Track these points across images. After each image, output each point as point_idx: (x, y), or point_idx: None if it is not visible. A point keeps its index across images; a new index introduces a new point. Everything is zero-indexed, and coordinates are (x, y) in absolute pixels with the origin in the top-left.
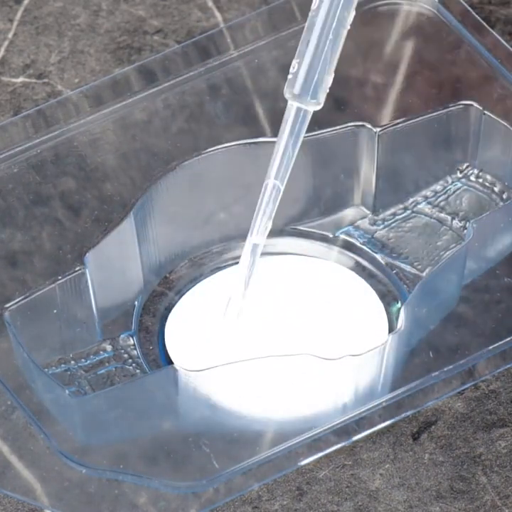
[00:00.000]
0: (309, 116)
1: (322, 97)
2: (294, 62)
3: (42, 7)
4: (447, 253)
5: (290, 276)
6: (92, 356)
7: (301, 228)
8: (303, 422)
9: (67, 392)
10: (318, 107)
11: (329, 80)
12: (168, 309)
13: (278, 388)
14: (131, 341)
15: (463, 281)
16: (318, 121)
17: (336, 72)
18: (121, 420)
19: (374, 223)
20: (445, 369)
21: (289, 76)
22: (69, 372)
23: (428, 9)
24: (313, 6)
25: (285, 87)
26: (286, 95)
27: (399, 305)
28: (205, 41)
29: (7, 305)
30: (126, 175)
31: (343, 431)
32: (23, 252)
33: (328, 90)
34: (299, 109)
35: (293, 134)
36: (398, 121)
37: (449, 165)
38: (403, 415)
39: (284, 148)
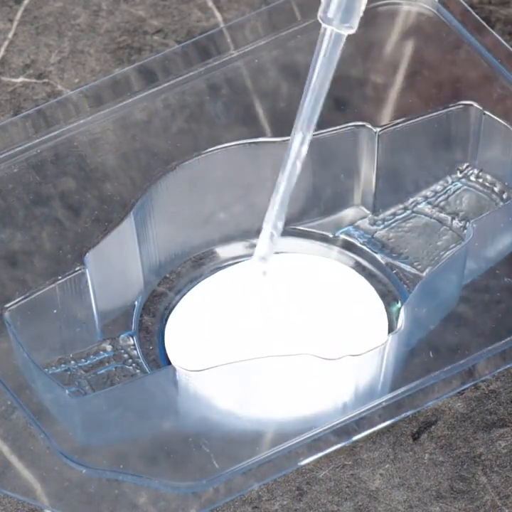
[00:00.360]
0: (343, 41)
1: (355, 22)
2: None
3: (42, 7)
4: (447, 253)
5: (290, 274)
6: (92, 356)
7: (301, 228)
8: (303, 422)
9: (67, 392)
10: (351, 31)
11: (363, 3)
12: (168, 309)
13: (278, 388)
14: (131, 341)
15: (463, 281)
16: (318, 121)
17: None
18: (121, 420)
19: (374, 223)
20: (445, 369)
21: (322, 0)
22: (69, 372)
23: (428, 9)
24: None
25: (318, 11)
26: (319, 19)
27: (399, 305)
28: (205, 41)
29: (7, 305)
30: (126, 175)
31: (343, 431)
32: (23, 252)
33: (361, 14)
34: (331, 33)
35: (326, 57)
36: (398, 121)
37: (449, 165)
38: (403, 415)
39: (317, 74)
